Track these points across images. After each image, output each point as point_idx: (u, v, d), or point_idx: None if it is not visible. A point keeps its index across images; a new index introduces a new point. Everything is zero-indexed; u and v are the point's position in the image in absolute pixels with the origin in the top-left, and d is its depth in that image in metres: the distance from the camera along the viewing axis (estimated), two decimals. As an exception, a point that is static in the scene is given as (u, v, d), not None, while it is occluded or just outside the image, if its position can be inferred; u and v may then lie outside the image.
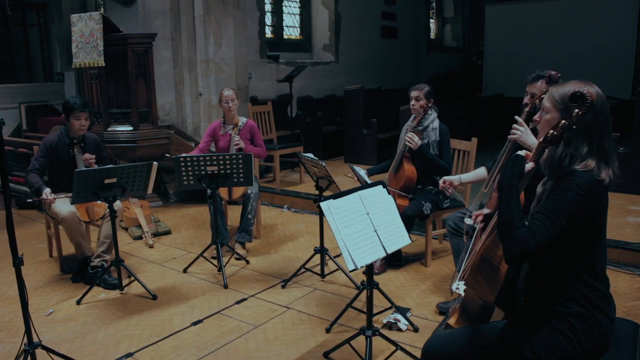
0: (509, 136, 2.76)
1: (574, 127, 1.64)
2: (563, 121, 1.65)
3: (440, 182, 3.16)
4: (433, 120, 3.85)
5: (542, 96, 2.78)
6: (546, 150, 1.75)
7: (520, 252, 1.58)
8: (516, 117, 2.74)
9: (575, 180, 1.64)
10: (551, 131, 1.67)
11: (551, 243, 1.61)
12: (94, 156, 3.85)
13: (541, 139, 1.72)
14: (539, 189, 1.78)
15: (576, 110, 1.63)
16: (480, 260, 1.89)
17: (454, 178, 3.18)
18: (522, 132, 2.67)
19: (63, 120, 3.90)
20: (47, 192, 3.58)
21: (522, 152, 1.79)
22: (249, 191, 4.27)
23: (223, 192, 4.22)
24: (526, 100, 2.96)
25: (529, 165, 1.78)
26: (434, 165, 3.78)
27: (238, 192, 4.28)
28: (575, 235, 1.67)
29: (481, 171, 3.28)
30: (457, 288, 2.13)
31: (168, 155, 4.32)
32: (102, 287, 3.67)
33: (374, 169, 4.07)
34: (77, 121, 3.80)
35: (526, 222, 1.67)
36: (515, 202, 1.65)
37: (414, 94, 3.86)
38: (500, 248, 1.81)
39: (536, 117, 1.86)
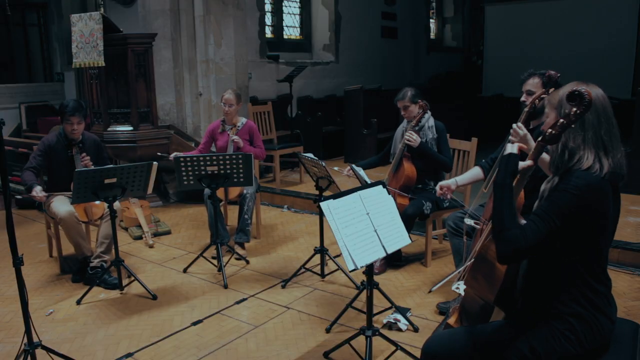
0: (509, 137, 2.75)
1: (572, 126, 1.64)
2: (561, 120, 1.65)
3: (437, 189, 3.11)
4: (428, 119, 3.86)
5: (543, 96, 2.79)
6: (544, 149, 1.75)
7: (511, 251, 1.62)
8: (516, 124, 2.73)
9: (573, 181, 1.64)
10: (550, 130, 1.67)
11: (549, 243, 1.61)
12: (88, 157, 3.83)
13: (539, 139, 1.72)
14: (543, 186, 1.78)
15: (574, 109, 1.63)
16: (480, 260, 1.89)
17: (450, 182, 3.14)
18: (521, 135, 2.67)
19: (60, 121, 3.90)
20: (37, 190, 3.56)
21: (514, 149, 1.79)
22: (244, 191, 4.27)
23: (219, 192, 4.20)
24: (523, 98, 2.99)
25: (527, 163, 1.79)
26: (435, 161, 3.79)
27: (234, 192, 4.28)
28: (575, 236, 1.66)
29: (476, 171, 3.28)
30: (457, 288, 2.13)
31: (160, 154, 4.29)
32: (102, 287, 3.67)
33: (362, 164, 4.02)
34: (69, 125, 3.78)
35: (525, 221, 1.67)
36: (507, 201, 1.68)
37: (400, 104, 3.87)
38: None
39: (543, 126, 1.86)
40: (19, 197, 3.62)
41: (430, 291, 3.23)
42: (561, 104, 1.71)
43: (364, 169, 3.99)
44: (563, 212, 1.62)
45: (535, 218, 1.64)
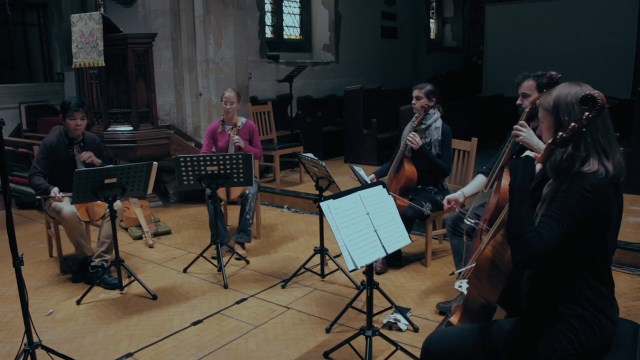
0: (514, 138, 2.74)
1: (584, 129, 1.64)
2: (573, 124, 1.64)
3: (445, 203, 3.03)
4: (436, 120, 3.85)
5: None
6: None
7: (528, 256, 1.58)
8: (520, 122, 2.73)
9: (581, 182, 1.63)
10: (560, 133, 1.66)
11: (558, 246, 1.61)
12: (91, 153, 3.85)
13: (549, 141, 1.71)
14: (545, 190, 1.77)
15: (586, 114, 1.63)
16: (485, 261, 1.89)
17: (458, 195, 3.07)
18: (525, 132, 2.67)
19: (61, 120, 3.91)
20: (55, 191, 3.60)
21: (530, 154, 1.78)
22: (247, 191, 4.27)
23: (221, 192, 4.21)
24: (519, 101, 2.98)
25: (537, 167, 1.78)
26: (433, 166, 3.78)
27: (236, 192, 4.28)
28: (581, 238, 1.66)
29: (480, 179, 3.21)
30: (460, 286, 2.13)
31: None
32: (102, 287, 3.67)
33: (379, 172, 4.05)
34: (72, 121, 3.79)
35: None
36: (526, 205, 1.64)
37: (415, 93, 3.87)
38: (506, 249, 1.81)
39: (538, 131, 1.86)
40: (38, 197, 3.66)
41: (452, 273, 3.13)
42: (565, 107, 1.70)
43: (381, 176, 3.99)
44: (575, 213, 1.61)
45: (549, 220, 1.62)
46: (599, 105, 1.61)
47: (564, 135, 1.65)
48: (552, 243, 1.58)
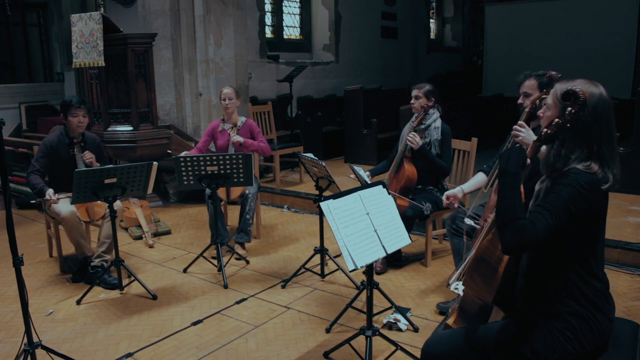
0: (513, 139, 2.75)
1: (568, 125, 1.64)
2: (557, 119, 1.65)
3: (444, 199, 3.05)
4: (436, 120, 3.85)
5: (544, 96, 2.79)
6: (541, 148, 1.75)
7: (519, 242, 1.56)
8: (520, 122, 2.74)
9: (576, 178, 1.63)
10: (545, 129, 1.67)
11: (550, 240, 1.61)
12: (93, 155, 3.85)
13: (535, 138, 1.72)
14: (537, 186, 1.78)
15: (569, 109, 1.63)
16: (478, 260, 1.89)
17: (456, 191, 3.09)
18: (524, 133, 2.67)
19: (62, 120, 3.92)
20: (50, 193, 3.60)
21: (523, 146, 1.78)
22: (247, 191, 4.27)
23: (221, 192, 4.20)
24: (520, 100, 2.99)
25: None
26: (433, 166, 3.78)
27: (236, 192, 4.28)
28: (574, 233, 1.67)
29: (480, 177, 3.24)
30: (456, 288, 2.13)
31: (170, 152, 4.27)
32: (102, 287, 3.67)
33: (374, 170, 4.07)
34: (74, 118, 3.80)
35: None
36: (518, 190, 1.64)
37: (414, 92, 3.88)
38: (496, 246, 1.81)
39: (540, 112, 1.86)
40: (32, 202, 3.67)
41: (448, 285, 3.17)
42: (562, 102, 1.71)
43: (376, 174, 4.00)
44: (568, 206, 1.61)
45: (543, 210, 1.61)
46: (580, 100, 1.61)
47: (549, 131, 1.66)
48: (545, 234, 1.57)
